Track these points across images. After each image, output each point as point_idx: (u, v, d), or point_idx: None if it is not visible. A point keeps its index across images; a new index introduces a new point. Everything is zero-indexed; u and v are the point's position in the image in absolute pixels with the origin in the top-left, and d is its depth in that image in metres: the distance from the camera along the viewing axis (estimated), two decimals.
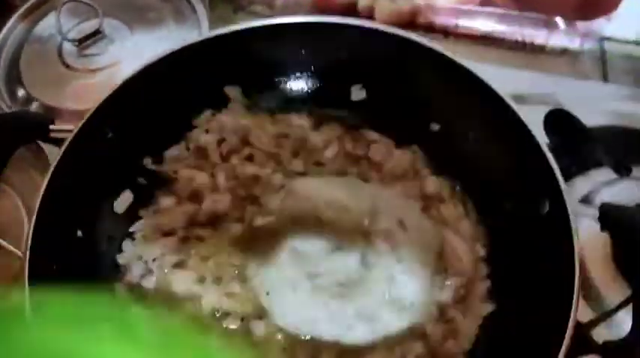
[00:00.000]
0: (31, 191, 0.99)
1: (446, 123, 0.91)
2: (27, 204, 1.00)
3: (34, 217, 0.74)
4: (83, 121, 0.81)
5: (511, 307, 0.77)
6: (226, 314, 0.80)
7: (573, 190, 0.94)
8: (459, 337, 0.77)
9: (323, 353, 0.77)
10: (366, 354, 0.76)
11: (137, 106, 0.87)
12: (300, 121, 0.96)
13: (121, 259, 0.85)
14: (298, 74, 0.97)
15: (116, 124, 0.85)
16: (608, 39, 1.28)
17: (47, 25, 1.24)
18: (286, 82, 0.98)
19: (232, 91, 0.96)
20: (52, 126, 0.83)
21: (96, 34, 1.20)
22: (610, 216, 0.71)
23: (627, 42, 1.29)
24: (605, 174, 1.01)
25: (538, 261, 0.75)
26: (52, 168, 0.77)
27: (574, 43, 1.26)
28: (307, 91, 0.98)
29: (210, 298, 0.81)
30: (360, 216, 0.80)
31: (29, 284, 0.70)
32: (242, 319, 0.79)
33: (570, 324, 0.64)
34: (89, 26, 1.19)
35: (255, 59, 0.94)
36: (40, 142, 0.93)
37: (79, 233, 0.81)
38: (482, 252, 0.83)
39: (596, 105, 1.08)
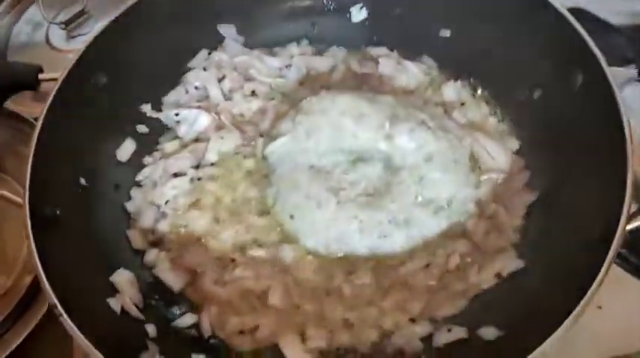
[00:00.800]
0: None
1: (457, 26, 0.85)
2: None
3: (30, 158, 0.69)
4: (70, 66, 0.76)
5: (554, 193, 0.70)
6: (252, 244, 0.73)
7: None
8: (504, 230, 0.70)
9: (359, 267, 0.70)
10: (406, 262, 0.70)
11: (127, 47, 0.82)
12: (300, 50, 0.91)
13: (130, 206, 0.79)
14: (293, 3, 0.92)
15: (107, 66, 0.80)
16: None
17: (33, 13, 1.21)
18: (282, 13, 0.93)
19: (226, 29, 0.92)
20: (41, 76, 0.77)
21: (81, 15, 1.16)
22: None
23: None
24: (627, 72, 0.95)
25: (581, 139, 0.69)
26: (45, 109, 0.72)
27: None
28: (306, 20, 0.93)
29: (231, 232, 0.75)
30: (380, 120, 0.74)
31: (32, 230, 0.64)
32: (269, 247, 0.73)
33: (628, 194, 0.57)
34: (74, 8, 1.16)
35: None
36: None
37: (82, 181, 0.76)
38: (515, 145, 0.77)
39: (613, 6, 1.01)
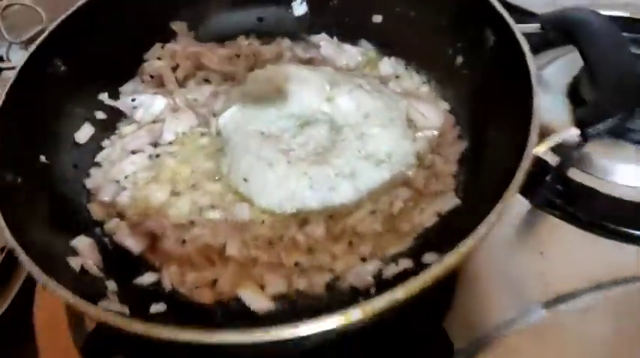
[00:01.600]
0: None
1: (386, 12, 0.95)
2: None
3: None
4: (32, 49, 0.81)
5: (481, 141, 0.78)
6: (208, 208, 0.78)
7: None
8: (441, 176, 0.77)
9: (312, 220, 0.75)
10: (354, 211, 0.75)
11: (85, 39, 0.87)
12: (248, 41, 0.98)
13: (89, 184, 0.82)
14: (239, 2, 1.00)
15: (65, 55, 0.85)
16: None
17: None
18: (228, 11, 1.00)
19: (178, 26, 0.98)
20: (1, 64, 0.82)
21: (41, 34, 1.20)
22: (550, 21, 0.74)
23: None
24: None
25: (498, 92, 0.77)
26: (4, 91, 0.76)
27: None
28: (251, 16, 1.00)
29: (187, 199, 0.79)
30: (321, 83, 0.81)
31: None
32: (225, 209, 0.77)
33: (531, 137, 0.63)
34: (35, 28, 1.20)
35: None
36: None
37: (43, 158, 0.79)
38: (445, 105, 0.85)
39: None
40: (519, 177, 0.59)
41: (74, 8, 0.86)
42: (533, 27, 0.74)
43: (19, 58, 1.16)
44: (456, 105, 0.84)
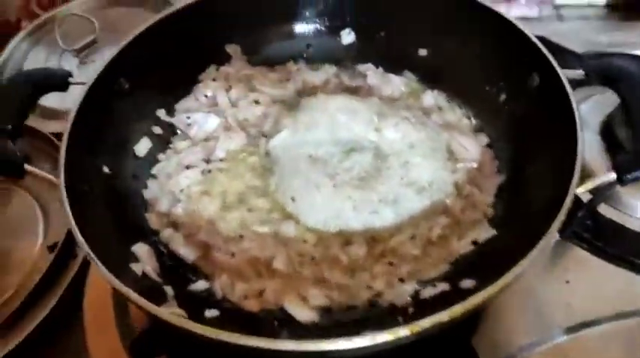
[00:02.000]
0: (44, 191, 1.03)
1: (432, 47, 1.00)
2: (41, 204, 1.03)
3: (63, 148, 0.78)
4: (99, 71, 0.87)
5: (519, 176, 0.83)
6: (256, 222, 0.83)
7: None
8: (478, 206, 0.82)
9: (354, 240, 0.80)
10: (394, 234, 0.80)
11: (146, 60, 0.93)
12: (297, 66, 1.04)
13: (147, 194, 0.88)
14: (291, 28, 1.06)
15: (129, 74, 0.91)
16: (563, 6, 1.40)
17: (48, 42, 1.33)
18: (281, 36, 1.06)
19: (233, 49, 1.05)
20: (70, 79, 0.88)
21: (92, 44, 1.28)
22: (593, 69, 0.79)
23: (580, 6, 1.41)
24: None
25: (540, 131, 0.82)
26: (76, 108, 0.82)
27: (533, 12, 1.37)
28: (301, 42, 1.06)
29: (237, 215, 0.84)
30: (370, 115, 0.86)
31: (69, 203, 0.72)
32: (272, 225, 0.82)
33: (574, 178, 0.68)
34: (87, 38, 1.27)
35: (248, 18, 1.03)
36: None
37: (106, 169, 0.85)
38: (485, 139, 0.90)
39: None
40: (562, 215, 0.63)
41: (138, 32, 0.92)
42: (578, 73, 0.78)
43: (71, 65, 1.24)
44: (496, 139, 0.89)
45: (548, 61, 0.79)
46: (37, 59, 1.31)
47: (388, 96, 0.98)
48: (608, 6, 1.41)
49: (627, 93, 0.75)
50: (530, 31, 0.83)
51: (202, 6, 0.98)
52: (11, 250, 0.97)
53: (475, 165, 0.86)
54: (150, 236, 0.83)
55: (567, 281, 0.84)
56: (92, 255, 0.65)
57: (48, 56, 1.31)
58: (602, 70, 0.79)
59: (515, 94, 0.88)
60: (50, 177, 0.77)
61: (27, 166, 0.78)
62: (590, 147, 0.93)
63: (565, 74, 0.78)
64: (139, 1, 1.40)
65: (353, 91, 0.99)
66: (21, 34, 1.34)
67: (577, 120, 0.73)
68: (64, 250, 0.92)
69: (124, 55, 0.91)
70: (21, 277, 0.92)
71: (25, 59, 1.32)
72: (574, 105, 0.74)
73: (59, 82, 0.88)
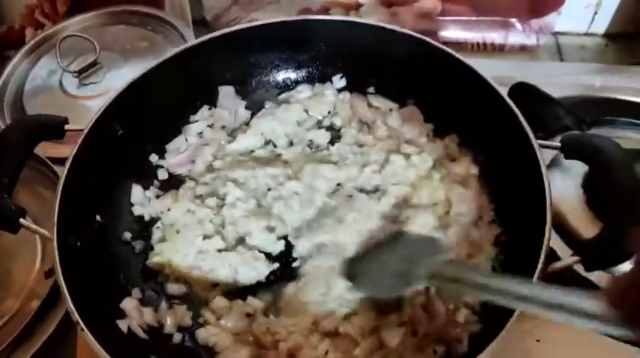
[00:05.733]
0: (41, 209, 1.05)
1: (420, 98, 1.03)
2: (39, 223, 1.06)
3: (57, 200, 0.81)
4: (94, 118, 0.89)
5: (512, 230, 0.87)
6: None
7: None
8: (480, 251, 0.87)
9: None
10: None
11: (140, 106, 0.95)
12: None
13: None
14: (283, 72, 1.08)
15: (124, 121, 0.93)
16: (561, 33, 1.41)
17: (49, 59, 1.34)
18: (275, 81, 1.09)
19: (226, 90, 1.06)
20: (67, 126, 0.90)
21: (93, 65, 1.29)
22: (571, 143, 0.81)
23: (579, 34, 1.42)
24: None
25: (522, 195, 0.84)
26: (71, 156, 0.84)
27: (531, 40, 1.37)
28: (295, 88, 1.09)
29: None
30: None
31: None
32: None
33: (546, 236, 0.73)
34: (87, 59, 1.28)
35: (242, 60, 1.05)
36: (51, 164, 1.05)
37: (98, 217, 0.89)
38: (484, 197, 0.93)
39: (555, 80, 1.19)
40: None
41: (131, 79, 0.93)
42: (555, 144, 0.81)
43: (71, 86, 1.26)
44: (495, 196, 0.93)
45: (527, 135, 0.81)
46: (38, 78, 1.32)
47: None
48: (606, 35, 1.42)
49: (601, 174, 0.77)
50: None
51: (195, 52, 0.99)
52: (9, 274, 0.99)
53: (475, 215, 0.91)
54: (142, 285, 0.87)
55: (538, 340, 0.87)
56: (82, 324, 0.69)
57: (48, 76, 1.32)
58: (578, 145, 0.80)
59: (500, 159, 0.91)
60: (43, 231, 0.80)
61: (22, 221, 0.81)
62: (571, 198, 0.97)
63: (542, 145, 0.81)
64: (140, 19, 1.40)
65: None
66: (22, 52, 1.35)
67: (547, 199, 0.75)
68: None
69: (118, 101, 0.93)
70: (19, 301, 0.95)
71: (26, 78, 1.33)
72: (546, 184, 0.76)
73: (55, 129, 0.89)
